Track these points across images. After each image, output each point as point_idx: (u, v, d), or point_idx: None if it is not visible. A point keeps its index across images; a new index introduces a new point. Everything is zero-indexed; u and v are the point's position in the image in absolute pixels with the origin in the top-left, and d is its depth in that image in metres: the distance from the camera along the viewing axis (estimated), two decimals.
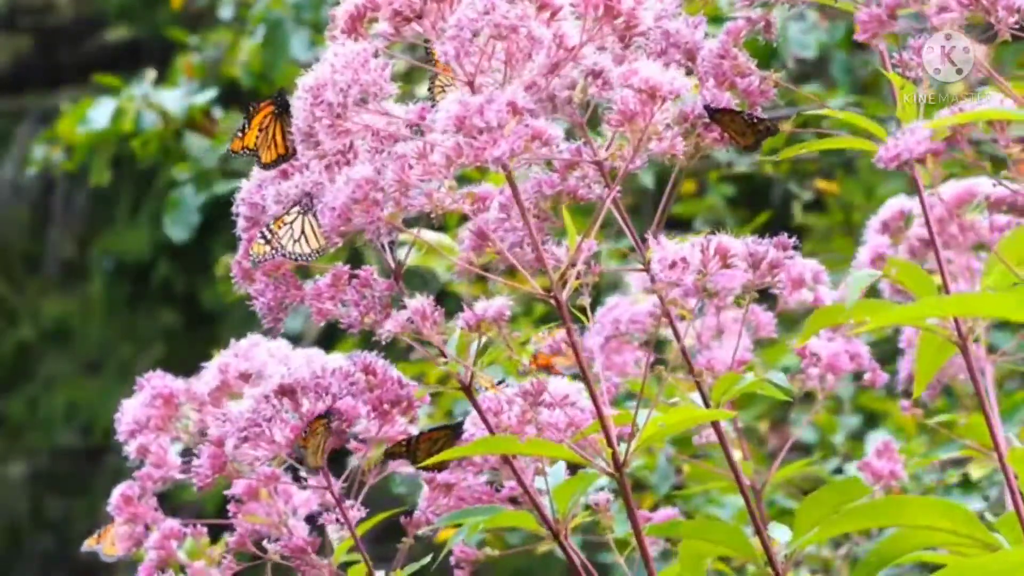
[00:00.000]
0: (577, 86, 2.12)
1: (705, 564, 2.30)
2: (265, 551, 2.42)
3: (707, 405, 2.25)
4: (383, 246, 2.24)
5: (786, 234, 2.25)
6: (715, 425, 2.28)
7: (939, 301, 2.20)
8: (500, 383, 2.27)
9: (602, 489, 2.37)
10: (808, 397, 4.60)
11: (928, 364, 2.42)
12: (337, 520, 2.38)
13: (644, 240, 2.18)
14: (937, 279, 2.38)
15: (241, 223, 2.31)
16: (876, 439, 3.51)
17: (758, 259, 2.22)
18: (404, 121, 2.13)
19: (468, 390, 2.25)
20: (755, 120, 2.21)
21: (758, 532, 2.25)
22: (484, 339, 2.20)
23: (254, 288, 2.28)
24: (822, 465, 4.05)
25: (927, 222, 2.33)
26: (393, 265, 2.25)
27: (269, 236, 2.24)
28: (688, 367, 2.26)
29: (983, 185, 2.92)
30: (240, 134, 2.36)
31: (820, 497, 2.22)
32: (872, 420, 4.53)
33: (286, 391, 2.32)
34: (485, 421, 2.27)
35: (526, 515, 2.29)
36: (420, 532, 2.41)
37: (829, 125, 3.53)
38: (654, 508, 4.09)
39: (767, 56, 2.26)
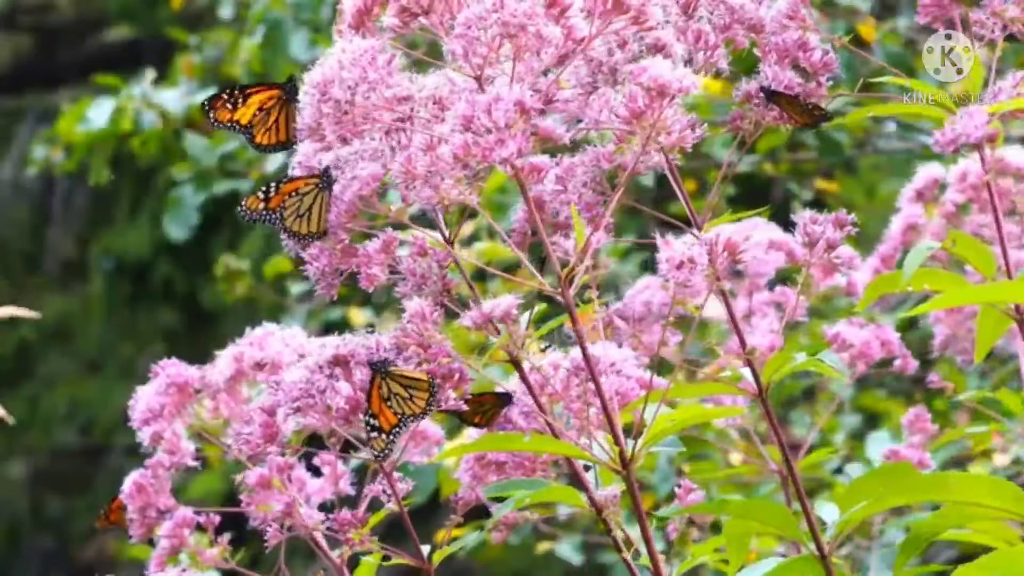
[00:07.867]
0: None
1: (749, 542, 2.30)
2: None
3: (758, 383, 2.22)
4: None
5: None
6: (765, 405, 2.25)
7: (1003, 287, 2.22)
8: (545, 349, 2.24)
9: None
10: (808, 397, 4.59)
11: (988, 335, 2.44)
12: (384, 492, 2.35)
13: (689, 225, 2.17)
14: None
15: None
16: (876, 439, 3.51)
17: (815, 238, 2.19)
18: (468, 87, 2.10)
19: (517, 362, 2.21)
20: (811, 107, 2.22)
21: (806, 513, 2.23)
22: (533, 313, 2.17)
23: (308, 253, 2.23)
24: (823, 465, 4.05)
25: (990, 195, 2.33)
26: (446, 234, 2.21)
27: (272, 194, 2.20)
28: (741, 343, 2.23)
29: (1014, 155, 2.96)
30: (231, 105, 2.32)
31: (866, 480, 2.22)
32: (872, 420, 4.53)
33: (340, 362, 2.27)
34: (532, 393, 2.24)
35: (570, 490, 2.25)
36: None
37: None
38: (655, 508, 4.09)
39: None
